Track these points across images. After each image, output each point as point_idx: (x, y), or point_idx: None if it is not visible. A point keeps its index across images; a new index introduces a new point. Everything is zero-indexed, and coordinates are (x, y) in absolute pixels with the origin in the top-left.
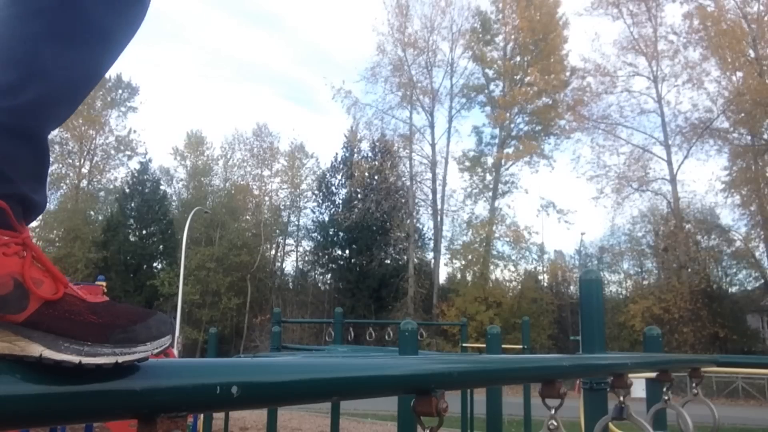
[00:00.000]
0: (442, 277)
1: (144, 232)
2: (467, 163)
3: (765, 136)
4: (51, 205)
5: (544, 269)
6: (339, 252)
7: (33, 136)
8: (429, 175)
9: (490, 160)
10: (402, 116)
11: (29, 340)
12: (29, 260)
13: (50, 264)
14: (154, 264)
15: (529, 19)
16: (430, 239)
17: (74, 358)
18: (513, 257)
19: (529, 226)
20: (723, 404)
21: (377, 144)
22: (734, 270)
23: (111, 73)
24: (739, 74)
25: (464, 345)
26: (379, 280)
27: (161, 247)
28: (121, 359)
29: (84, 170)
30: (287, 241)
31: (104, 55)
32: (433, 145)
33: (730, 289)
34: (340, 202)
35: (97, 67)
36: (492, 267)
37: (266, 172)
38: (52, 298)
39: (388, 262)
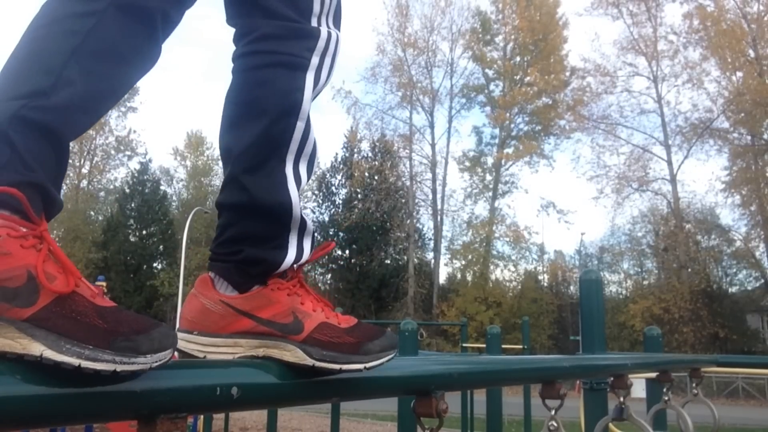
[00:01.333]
0: (442, 277)
1: (144, 232)
2: (467, 163)
3: (765, 136)
4: None
5: (544, 269)
6: (339, 252)
7: (57, 137)
8: (429, 175)
9: (490, 160)
10: (402, 116)
11: (32, 338)
12: (45, 254)
13: (65, 258)
14: (154, 264)
15: (529, 19)
16: (430, 239)
17: (74, 361)
18: (513, 257)
19: (529, 226)
20: (723, 404)
21: (377, 144)
22: (734, 270)
23: None
24: (739, 74)
25: (464, 345)
26: (379, 280)
27: (161, 247)
28: (119, 368)
29: (84, 170)
30: None
31: (122, 79)
32: (433, 145)
33: (730, 289)
34: (340, 202)
35: (115, 87)
36: (492, 267)
37: None
38: (64, 291)
39: (388, 262)
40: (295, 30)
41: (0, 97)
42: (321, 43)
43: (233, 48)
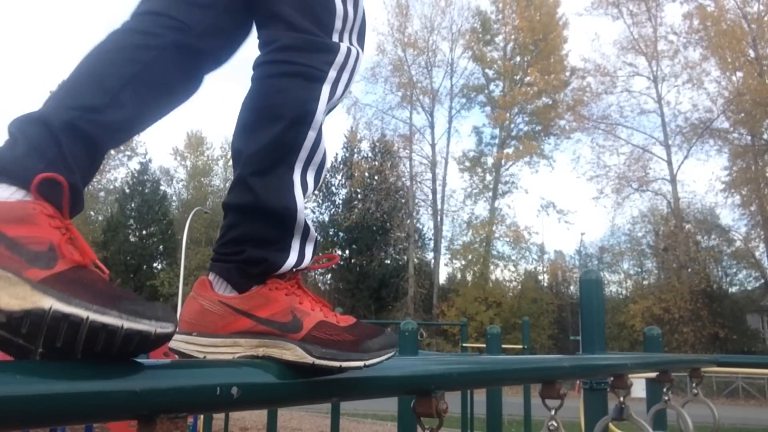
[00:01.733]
0: (442, 277)
1: (144, 232)
2: (467, 163)
3: (765, 136)
4: None
5: (544, 269)
6: (339, 252)
7: (98, 148)
8: (429, 175)
9: (490, 160)
10: (402, 116)
11: (43, 294)
12: (67, 237)
13: (85, 244)
14: (154, 264)
15: (529, 19)
16: (430, 239)
17: (83, 313)
18: (513, 257)
19: (529, 226)
20: (723, 404)
21: (377, 144)
22: (734, 270)
23: None
24: (739, 74)
25: (464, 345)
26: (379, 280)
27: (161, 247)
28: (126, 325)
29: None
30: None
31: (165, 107)
32: (433, 146)
33: (730, 289)
34: (340, 202)
35: (157, 113)
36: (492, 267)
37: None
38: (80, 262)
39: (388, 262)
40: (315, 43)
41: (59, 104)
42: (340, 58)
43: (255, 56)
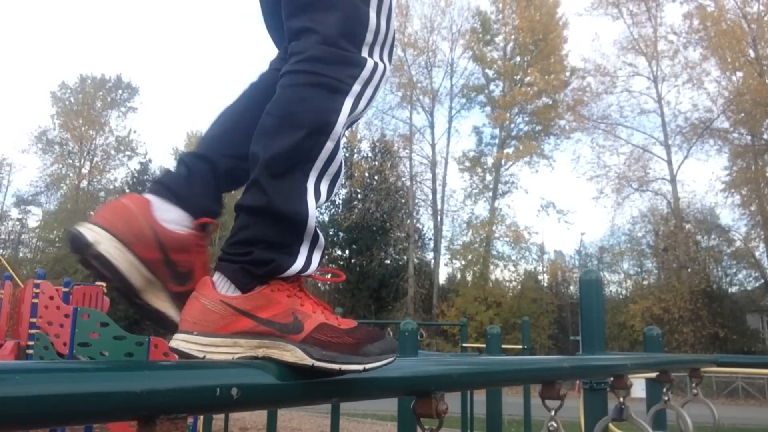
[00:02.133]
0: (442, 277)
1: None
2: (467, 163)
3: (765, 136)
4: (51, 205)
5: (544, 269)
6: (339, 252)
7: (237, 186)
8: (429, 175)
9: (490, 160)
10: (402, 116)
11: (171, 306)
12: (201, 262)
13: (208, 266)
14: None
15: (529, 19)
16: (430, 239)
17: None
18: (513, 257)
19: (529, 226)
20: (723, 404)
21: (377, 144)
22: (734, 270)
23: (111, 73)
24: (739, 74)
25: (464, 345)
26: (379, 280)
27: None
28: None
29: (84, 170)
30: None
31: None
32: (433, 145)
33: (730, 289)
34: (340, 202)
35: None
36: (492, 267)
37: None
38: (189, 289)
39: (388, 262)
40: (342, 56)
41: (220, 151)
42: (365, 73)
43: (282, 65)
